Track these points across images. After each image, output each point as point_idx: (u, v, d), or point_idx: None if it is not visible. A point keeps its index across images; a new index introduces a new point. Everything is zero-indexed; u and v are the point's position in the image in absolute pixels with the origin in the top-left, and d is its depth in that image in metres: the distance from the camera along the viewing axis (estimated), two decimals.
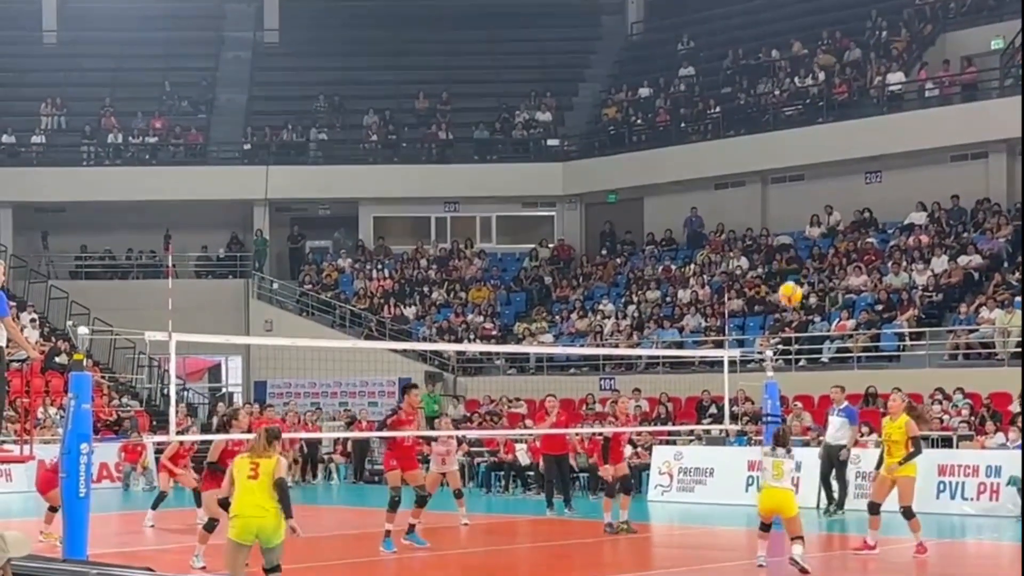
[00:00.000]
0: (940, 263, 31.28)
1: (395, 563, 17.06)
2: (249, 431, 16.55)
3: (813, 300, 32.16)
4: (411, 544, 17.90)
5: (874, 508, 17.26)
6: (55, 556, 11.55)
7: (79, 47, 44.55)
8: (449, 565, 16.99)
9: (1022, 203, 31.66)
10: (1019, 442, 22.86)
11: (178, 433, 19.07)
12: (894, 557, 17.09)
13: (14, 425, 22.68)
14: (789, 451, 15.91)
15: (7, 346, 14.32)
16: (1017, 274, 29.40)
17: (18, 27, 44.51)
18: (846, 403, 23.26)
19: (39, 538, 17.42)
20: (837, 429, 22.80)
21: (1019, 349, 26.63)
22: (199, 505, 21.39)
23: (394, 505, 17.74)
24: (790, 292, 21.31)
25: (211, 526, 15.72)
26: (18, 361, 23.89)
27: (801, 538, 15.57)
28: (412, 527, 18.14)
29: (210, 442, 16.76)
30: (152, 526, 21.08)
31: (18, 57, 44.22)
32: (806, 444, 24.67)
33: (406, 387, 19.60)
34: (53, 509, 18.15)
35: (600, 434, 21.41)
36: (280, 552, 11.74)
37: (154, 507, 21.34)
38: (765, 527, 15.94)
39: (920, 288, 30.76)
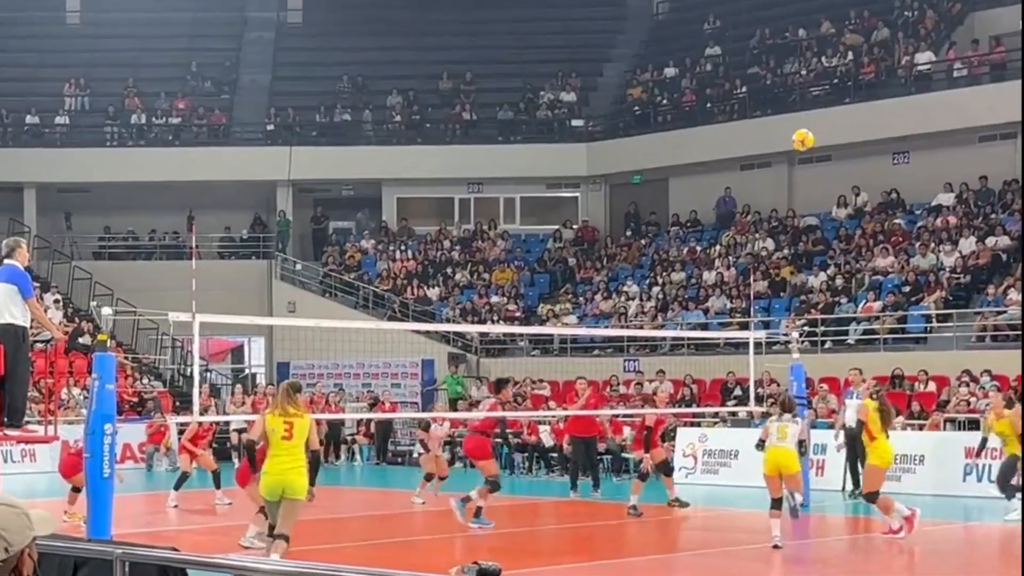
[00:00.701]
0: (968, 244, 31.03)
1: (418, 544, 17.00)
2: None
3: (840, 282, 31.98)
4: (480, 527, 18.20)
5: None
6: (79, 535, 11.50)
7: (102, 27, 44.54)
8: (474, 546, 16.89)
9: (1022, 190, 31.45)
10: None
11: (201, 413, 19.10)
12: (920, 540, 16.92)
13: (38, 406, 22.70)
14: (794, 416, 16.33)
15: (31, 327, 14.29)
16: None
17: (42, 7, 44.48)
18: (864, 385, 23.08)
19: (63, 518, 17.43)
20: (857, 412, 22.60)
21: None
22: (218, 487, 21.51)
23: (495, 487, 18.23)
24: (802, 136, 20.44)
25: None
26: (42, 342, 23.92)
27: (799, 492, 15.96)
28: (479, 510, 18.42)
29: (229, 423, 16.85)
30: (175, 506, 21.08)
31: (42, 38, 44.23)
32: (831, 427, 24.50)
33: (501, 381, 20.00)
34: (76, 490, 18.14)
35: (639, 417, 21.50)
36: (297, 512, 12.63)
37: (176, 487, 21.36)
38: (776, 503, 16.05)
39: (947, 269, 30.53)
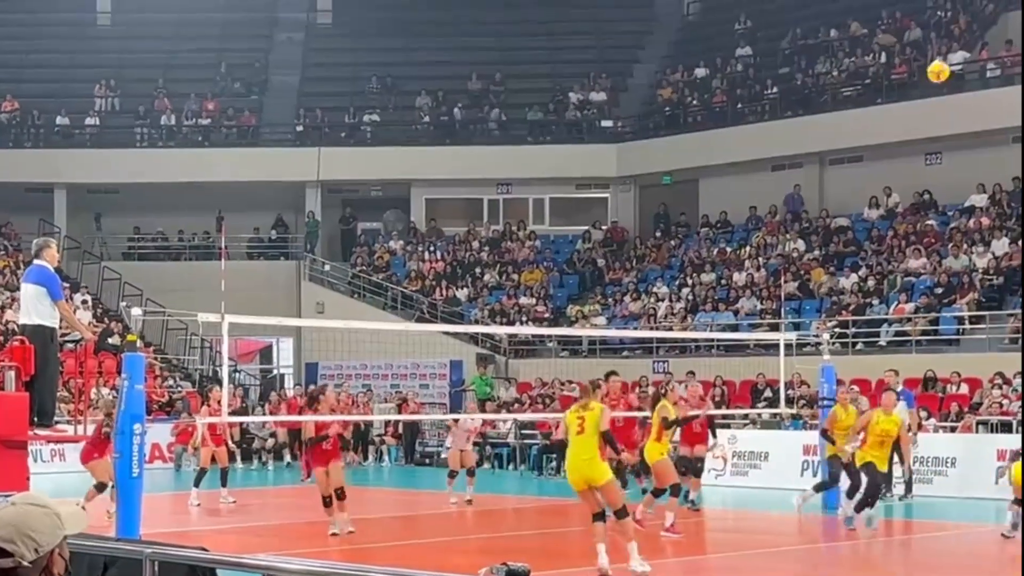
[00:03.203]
0: (1001, 246, 30.81)
1: (446, 545, 16.92)
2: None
3: (871, 283, 31.79)
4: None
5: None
6: (108, 534, 11.48)
7: (133, 29, 44.67)
8: (503, 548, 16.80)
9: (1021, 197, 31.24)
10: None
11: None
12: (951, 543, 16.75)
13: (67, 405, 22.74)
14: None
15: (60, 327, 14.29)
16: None
17: (73, 9, 44.69)
18: (902, 387, 22.94)
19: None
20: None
21: None
22: (224, 484, 21.70)
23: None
24: (938, 69, 20.39)
25: (341, 494, 16.94)
26: (72, 342, 23.94)
27: None
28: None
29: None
30: (198, 504, 21.09)
31: (72, 39, 44.40)
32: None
33: (608, 375, 20.09)
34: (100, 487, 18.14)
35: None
36: (614, 492, 13.68)
37: (197, 484, 21.41)
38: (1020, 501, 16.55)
39: (980, 271, 30.31)
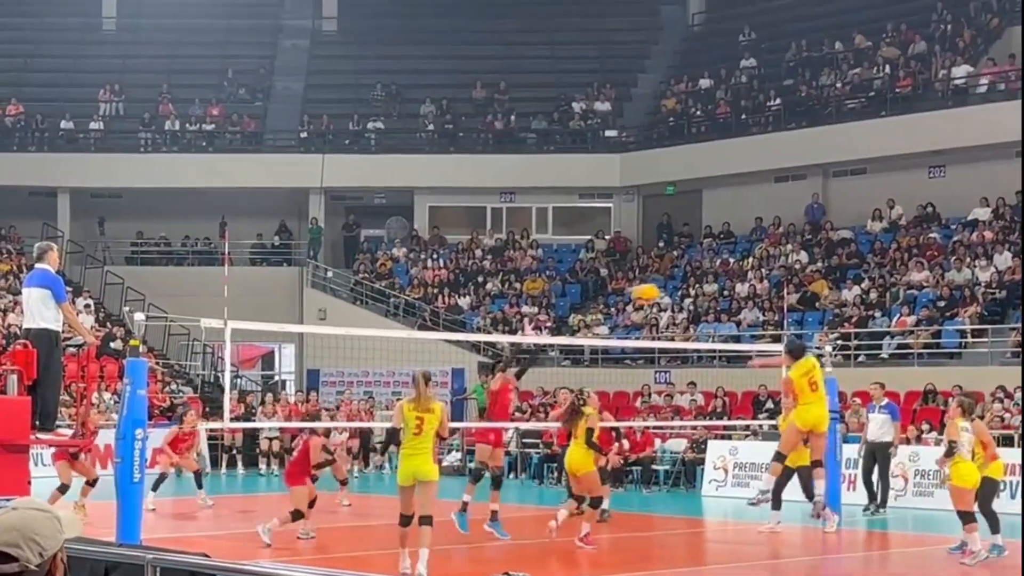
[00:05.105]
0: (1003, 259, 30.82)
1: (446, 553, 16.88)
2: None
3: (874, 296, 31.78)
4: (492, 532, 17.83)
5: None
6: (108, 540, 11.48)
7: (138, 34, 44.76)
8: (503, 556, 16.78)
9: (1022, 209, 31.18)
10: None
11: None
12: (947, 557, 16.72)
13: (69, 410, 22.75)
14: None
15: (63, 331, 14.31)
16: None
17: (77, 13, 44.77)
18: (887, 400, 22.96)
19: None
20: (880, 426, 22.50)
21: None
22: (200, 487, 21.77)
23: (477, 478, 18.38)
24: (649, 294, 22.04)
25: (297, 516, 16.93)
26: (74, 346, 23.95)
27: None
28: (495, 513, 18.15)
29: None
30: (152, 509, 20.99)
31: (77, 43, 44.46)
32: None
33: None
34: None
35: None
36: (432, 495, 13.73)
37: (154, 489, 21.35)
38: None
39: (983, 284, 30.31)
